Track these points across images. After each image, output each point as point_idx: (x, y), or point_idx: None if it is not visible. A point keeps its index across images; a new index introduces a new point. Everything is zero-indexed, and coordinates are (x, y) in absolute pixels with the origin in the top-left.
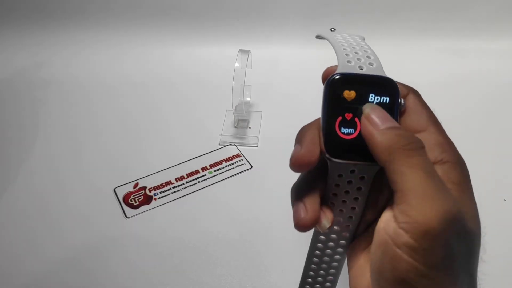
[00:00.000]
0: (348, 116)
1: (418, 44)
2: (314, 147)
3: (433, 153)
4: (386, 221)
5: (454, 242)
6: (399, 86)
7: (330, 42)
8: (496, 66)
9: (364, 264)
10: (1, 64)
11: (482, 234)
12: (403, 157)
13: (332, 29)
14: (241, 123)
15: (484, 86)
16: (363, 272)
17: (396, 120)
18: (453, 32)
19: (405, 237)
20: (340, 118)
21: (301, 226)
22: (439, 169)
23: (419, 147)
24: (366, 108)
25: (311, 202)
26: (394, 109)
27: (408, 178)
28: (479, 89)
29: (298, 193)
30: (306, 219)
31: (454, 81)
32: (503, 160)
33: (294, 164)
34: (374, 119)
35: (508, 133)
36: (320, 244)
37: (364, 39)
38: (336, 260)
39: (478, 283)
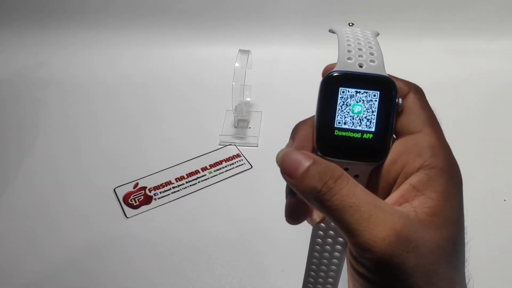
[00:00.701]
0: (342, 115)
1: (419, 44)
2: (306, 144)
3: (423, 156)
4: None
5: (398, 259)
6: (400, 83)
7: (337, 36)
8: (497, 66)
9: None
10: (1, 64)
11: (466, 240)
12: (325, 202)
13: (351, 24)
14: (241, 123)
15: (485, 86)
16: None
17: (393, 121)
18: (454, 32)
19: (358, 268)
20: (334, 116)
21: (290, 218)
22: (424, 175)
23: (333, 181)
24: (277, 157)
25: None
26: (391, 110)
27: (338, 219)
28: (479, 89)
29: (290, 188)
30: (295, 212)
31: (454, 81)
32: (503, 160)
33: (292, 217)
34: (288, 168)
35: (508, 133)
36: (319, 240)
37: (377, 34)
38: (336, 257)
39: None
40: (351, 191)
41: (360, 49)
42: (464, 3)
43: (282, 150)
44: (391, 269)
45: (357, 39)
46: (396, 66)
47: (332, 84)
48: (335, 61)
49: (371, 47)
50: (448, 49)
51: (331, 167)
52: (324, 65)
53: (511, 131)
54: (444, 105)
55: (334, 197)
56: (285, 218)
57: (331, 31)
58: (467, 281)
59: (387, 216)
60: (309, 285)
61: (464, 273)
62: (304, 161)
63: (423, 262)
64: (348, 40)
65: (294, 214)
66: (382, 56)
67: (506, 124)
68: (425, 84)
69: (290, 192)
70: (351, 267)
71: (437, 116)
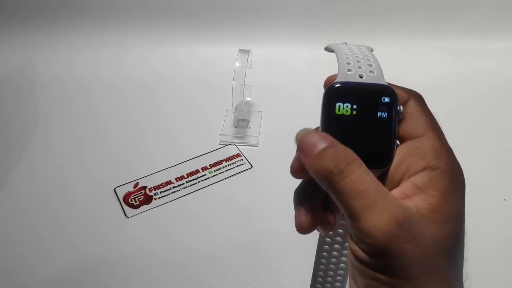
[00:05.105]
0: (347, 126)
1: (419, 44)
2: None
3: (427, 159)
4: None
5: (396, 247)
6: (399, 91)
7: (335, 52)
8: (497, 66)
9: None
10: (3, 63)
11: (466, 239)
12: (335, 184)
13: (344, 43)
14: (241, 123)
15: (485, 86)
16: None
17: (395, 127)
18: (454, 32)
19: (359, 253)
20: (338, 128)
21: (301, 229)
22: (426, 175)
23: (346, 164)
24: (297, 136)
25: (311, 206)
26: (392, 117)
27: (345, 203)
28: (480, 89)
29: (300, 197)
30: (306, 223)
31: (454, 81)
32: (503, 160)
33: (293, 172)
34: (305, 147)
35: (508, 133)
36: (326, 246)
37: (372, 50)
38: (343, 262)
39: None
40: (361, 177)
41: (358, 61)
42: (465, 3)
43: (303, 130)
44: (389, 256)
45: (355, 53)
46: (397, 66)
47: (335, 96)
48: (335, 63)
49: (368, 59)
50: (448, 49)
51: (346, 151)
52: (324, 65)
53: (511, 130)
54: (445, 105)
55: (344, 180)
56: (296, 229)
57: (327, 49)
58: (464, 279)
59: (391, 206)
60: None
61: (462, 271)
62: (321, 142)
63: (421, 254)
64: (346, 53)
65: (303, 225)
66: (380, 67)
67: (506, 124)
68: (425, 83)
69: (298, 201)
70: (350, 252)
71: (437, 120)
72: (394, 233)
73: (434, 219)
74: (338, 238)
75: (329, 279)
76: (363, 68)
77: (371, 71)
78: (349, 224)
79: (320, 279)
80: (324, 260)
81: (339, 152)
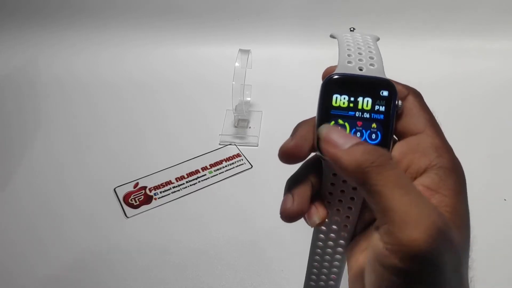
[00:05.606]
0: (342, 120)
1: (419, 44)
2: (303, 143)
3: (429, 157)
4: (375, 239)
5: (441, 258)
6: (399, 86)
7: (338, 41)
8: (497, 66)
9: (363, 264)
10: (3, 63)
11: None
12: (375, 175)
13: (352, 29)
14: (241, 123)
15: (485, 86)
16: (363, 273)
17: (393, 122)
18: (454, 32)
19: (392, 259)
20: (333, 122)
21: (285, 216)
22: (434, 175)
23: (387, 159)
24: (322, 130)
25: (300, 195)
26: (391, 111)
27: (385, 197)
28: (480, 89)
29: (290, 185)
30: (291, 210)
31: (454, 81)
32: (503, 160)
33: (280, 155)
34: (335, 140)
35: (508, 133)
36: (320, 243)
37: (378, 39)
38: (337, 260)
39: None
40: (402, 173)
41: (360, 53)
42: (465, 3)
43: (326, 125)
44: (428, 264)
45: (357, 43)
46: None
47: (332, 87)
48: (335, 62)
49: (371, 52)
50: (448, 49)
51: (381, 150)
52: (324, 65)
53: (511, 130)
54: (445, 104)
55: (388, 172)
56: (279, 215)
57: (332, 36)
58: (469, 281)
59: (431, 211)
60: (311, 283)
61: (467, 278)
62: (353, 138)
63: (454, 261)
64: (348, 44)
65: (286, 212)
66: (382, 60)
67: (506, 124)
68: (425, 83)
69: (287, 188)
70: (375, 258)
71: (436, 118)
72: (435, 241)
73: (456, 223)
74: (332, 235)
75: (323, 277)
76: (364, 60)
77: (371, 64)
78: (382, 225)
79: (314, 277)
80: (318, 257)
81: (374, 149)
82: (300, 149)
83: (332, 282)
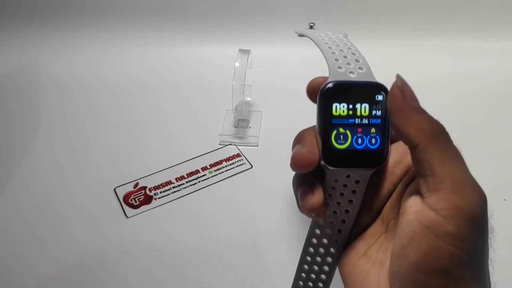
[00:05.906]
0: (343, 128)
1: (419, 44)
2: (315, 149)
3: None
4: (419, 212)
5: (487, 227)
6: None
7: (315, 43)
8: (497, 66)
9: (366, 268)
10: (3, 63)
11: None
12: (441, 143)
13: (312, 24)
14: (241, 123)
15: (485, 86)
16: (367, 276)
17: (389, 124)
18: (454, 32)
19: (447, 225)
20: (335, 131)
21: (312, 208)
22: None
23: (448, 134)
24: (399, 80)
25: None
26: (386, 115)
27: (446, 163)
28: (480, 89)
29: (301, 180)
30: (317, 200)
31: (454, 81)
32: (503, 160)
33: (294, 163)
34: (410, 94)
35: (508, 133)
36: (314, 240)
37: (346, 35)
38: (328, 264)
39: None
40: (456, 150)
41: (345, 57)
42: (465, 3)
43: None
44: (481, 230)
45: (336, 45)
46: (397, 66)
47: (330, 97)
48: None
49: (354, 54)
50: (448, 49)
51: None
52: (324, 65)
53: (511, 130)
54: (445, 104)
55: (449, 146)
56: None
57: (301, 35)
58: None
59: (475, 182)
60: (300, 282)
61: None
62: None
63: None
64: (330, 47)
65: (312, 203)
66: (367, 62)
67: (506, 124)
68: (425, 83)
69: (301, 183)
70: (425, 228)
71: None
72: (486, 208)
73: None
74: (328, 230)
75: (313, 276)
76: (352, 64)
77: (360, 67)
78: (436, 188)
79: (303, 275)
80: (309, 258)
81: (439, 121)
82: (314, 156)
83: (320, 284)
